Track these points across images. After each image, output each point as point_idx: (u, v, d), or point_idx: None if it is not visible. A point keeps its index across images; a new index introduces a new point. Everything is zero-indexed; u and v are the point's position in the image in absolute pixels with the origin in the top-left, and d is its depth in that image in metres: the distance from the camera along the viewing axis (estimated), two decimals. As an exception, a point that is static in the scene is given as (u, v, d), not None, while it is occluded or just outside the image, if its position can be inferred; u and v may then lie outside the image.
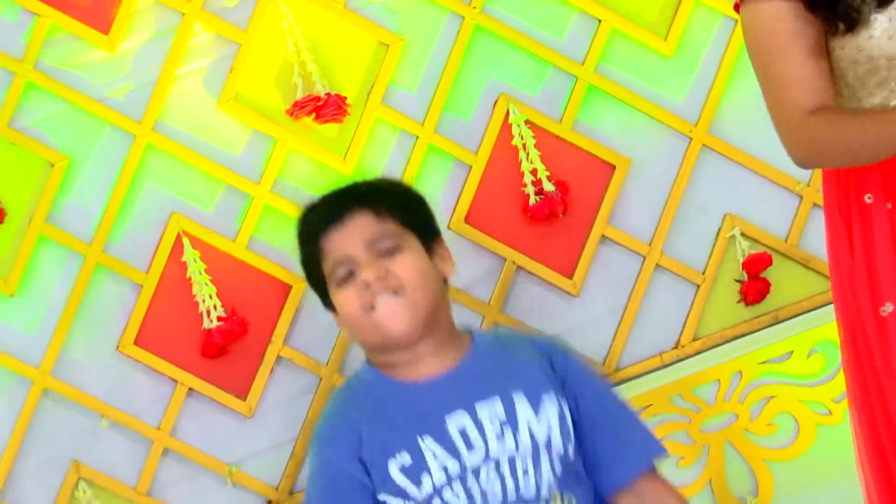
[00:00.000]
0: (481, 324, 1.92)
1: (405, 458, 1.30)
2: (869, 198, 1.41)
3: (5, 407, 1.92)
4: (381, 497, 1.32)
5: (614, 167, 2.01)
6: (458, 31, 2.00)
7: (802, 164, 1.42)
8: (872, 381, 1.47)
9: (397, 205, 1.43)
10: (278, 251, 1.93)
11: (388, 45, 1.96)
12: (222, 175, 1.92)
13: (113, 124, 1.93)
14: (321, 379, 1.92)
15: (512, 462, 1.30)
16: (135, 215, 1.94)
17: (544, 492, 1.29)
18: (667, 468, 1.95)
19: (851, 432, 1.52)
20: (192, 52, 1.94)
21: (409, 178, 1.96)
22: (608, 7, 1.99)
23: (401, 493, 1.30)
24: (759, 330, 2.02)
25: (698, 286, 2.02)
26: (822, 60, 1.35)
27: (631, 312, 2.00)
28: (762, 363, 2.00)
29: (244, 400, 1.92)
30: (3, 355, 1.90)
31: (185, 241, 1.90)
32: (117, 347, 1.92)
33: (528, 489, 1.29)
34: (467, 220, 1.98)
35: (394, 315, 1.31)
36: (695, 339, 2.02)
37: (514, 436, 1.31)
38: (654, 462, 1.41)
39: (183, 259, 1.90)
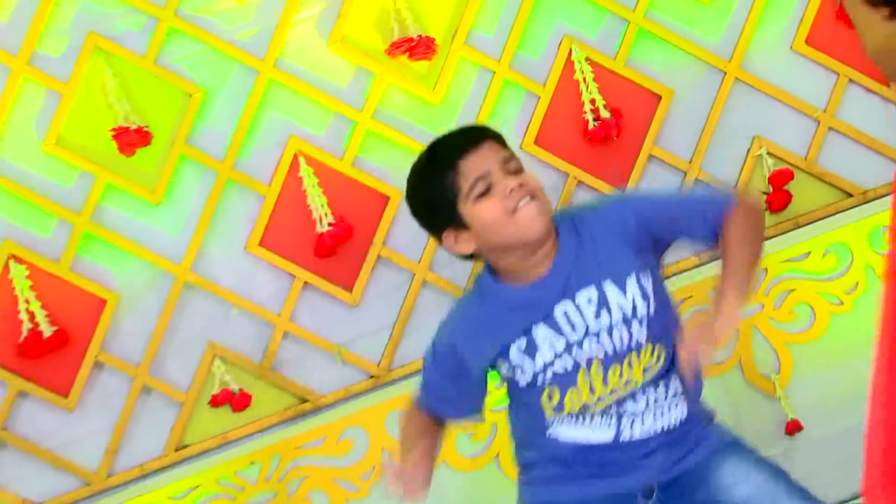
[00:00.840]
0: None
1: (522, 343, 1.48)
2: None
3: (153, 297, 2.22)
4: (503, 369, 1.52)
5: (660, 97, 2.26)
6: (530, -18, 2.23)
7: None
8: None
9: (504, 142, 1.55)
10: (379, 167, 2.21)
11: (469, -5, 2.22)
12: (332, 104, 2.20)
13: (241, 62, 2.21)
14: (414, 275, 2.23)
15: (609, 331, 1.48)
16: (259, 138, 2.23)
17: (636, 345, 1.49)
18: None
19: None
20: (306, 0, 2.21)
21: (488, 105, 2.23)
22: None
23: (518, 368, 1.49)
24: (782, 234, 2.24)
25: (731, 197, 2.29)
26: None
27: (674, 219, 2.28)
28: (784, 262, 2.23)
29: (350, 292, 2.21)
30: (150, 254, 2.19)
31: (301, 159, 2.19)
32: (245, 247, 2.22)
33: (623, 347, 1.48)
34: (536, 142, 2.24)
35: (533, 215, 1.44)
36: (727, 242, 2.28)
37: (609, 313, 1.48)
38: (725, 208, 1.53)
39: (299, 174, 2.19)
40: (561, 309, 1.47)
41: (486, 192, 1.44)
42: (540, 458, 1.62)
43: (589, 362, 1.49)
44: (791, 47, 2.27)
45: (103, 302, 2.18)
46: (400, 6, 2.19)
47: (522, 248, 1.45)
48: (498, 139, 1.52)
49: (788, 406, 2.25)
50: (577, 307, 1.47)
